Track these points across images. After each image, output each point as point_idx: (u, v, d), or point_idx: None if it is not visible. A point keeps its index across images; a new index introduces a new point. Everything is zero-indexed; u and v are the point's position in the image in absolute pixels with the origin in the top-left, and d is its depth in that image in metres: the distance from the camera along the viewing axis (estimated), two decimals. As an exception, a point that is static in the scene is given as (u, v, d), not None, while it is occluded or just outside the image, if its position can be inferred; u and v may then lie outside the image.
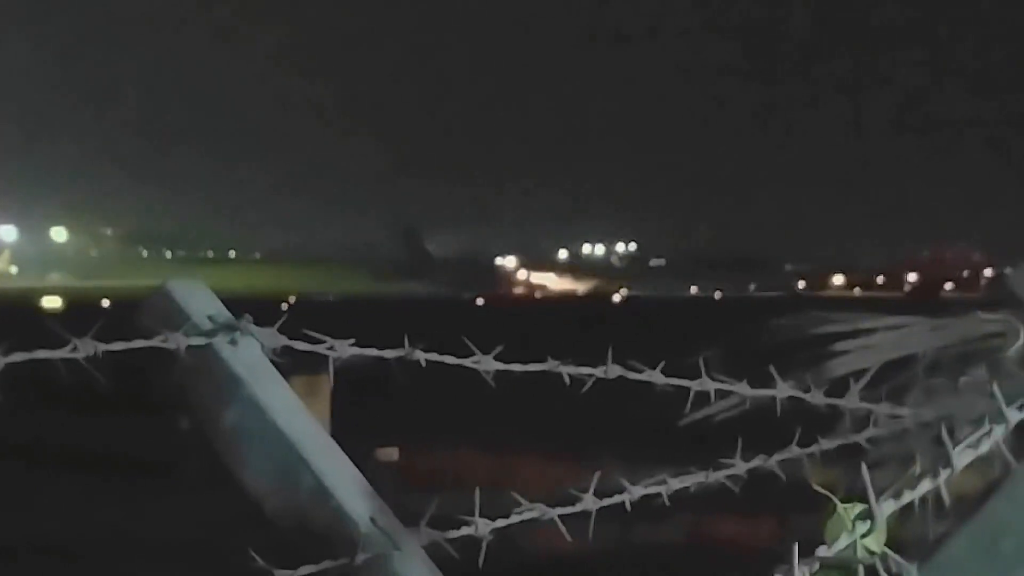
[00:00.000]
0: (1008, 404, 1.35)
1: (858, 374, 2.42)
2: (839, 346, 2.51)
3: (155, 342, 1.67)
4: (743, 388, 2.27)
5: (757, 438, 2.26)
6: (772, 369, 2.30)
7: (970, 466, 1.28)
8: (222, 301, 1.84)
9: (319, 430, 1.86)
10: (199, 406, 1.84)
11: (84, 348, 1.56)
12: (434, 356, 1.84)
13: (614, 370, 2.07)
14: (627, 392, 2.17)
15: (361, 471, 1.83)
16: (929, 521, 1.58)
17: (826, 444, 2.35)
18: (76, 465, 14.86)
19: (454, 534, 1.79)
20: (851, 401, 2.37)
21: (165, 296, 1.83)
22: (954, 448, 1.25)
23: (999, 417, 1.33)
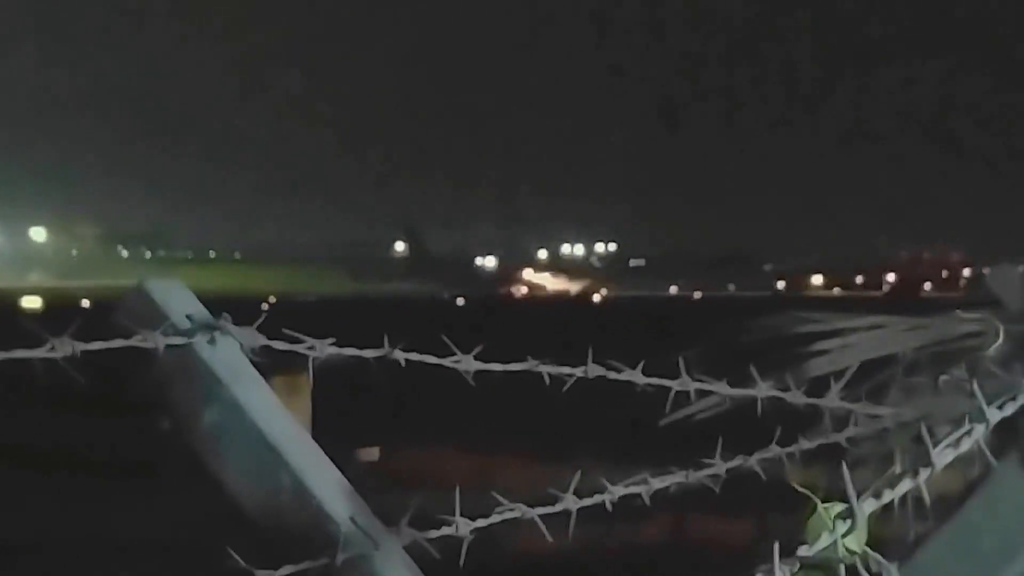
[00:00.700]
0: (988, 403, 1.35)
1: (838, 374, 2.43)
2: (819, 346, 2.52)
3: (133, 341, 1.66)
4: (723, 388, 2.28)
5: (737, 438, 2.26)
6: (752, 369, 2.30)
7: (950, 466, 1.28)
8: (202, 301, 1.83)
9: (299, 430, 1.86)
10: (178, 406, 1.83)
11: (62, 348, 1.55)
12: (414, 356, 1.84)
13: (594, 370, 2.07)
14: (608, 392, 2.17)
15: (342, 471, 1.83)
16: (910, 520, 1.59)
17: (806, 443, 2.35)
18: (53, 465, 14.81)
19: (434, 534, 1.78)
20: (831, 401, 2.38)
21: (143, 295, 1.82)
22: (934, 447, 1.25)
23: (979, 416, 1.33)
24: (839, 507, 1.18)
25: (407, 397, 10.89)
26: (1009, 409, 1.45)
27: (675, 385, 2.19)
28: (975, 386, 1.35)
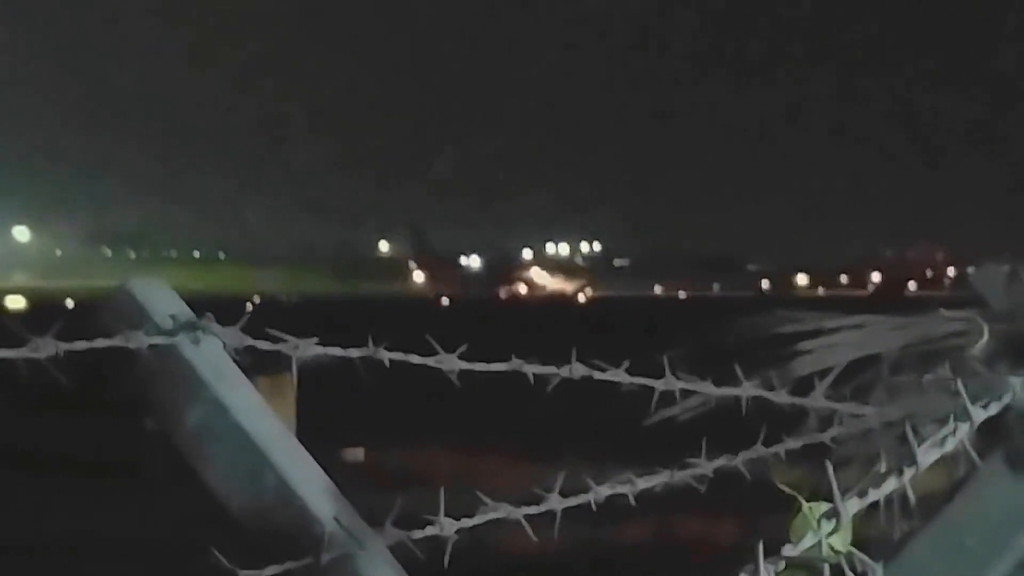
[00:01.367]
0: (973, 402, 1.35)
1: (823, 373, 2.43)
2: (803, 345, 2.52)
3: (116, 341, 1.65)
4: (708, 387, 2.27)
5: (722, 437, 2.26)
6: (737, 368, 2.30)
7: (935, 465, 1.28)
8: (186, 301, 1.83)
9: (284, 430, 1.85)
10: (162, 406, 1.83)
11: (45, 348, 1.54)
12: (398, 355, 1.84)
13: (579, 369, 2.07)
14: (593, 392, 2.17)
15: (326, 471, 1.82)
16: (894, 520, 1.59)
17: (791, 443, 2.35)
18: (37, 465, 14.77)
19: (419, 534, 1.78)
20: (816, 400, 2.38)
21: (126, 295, 1.82)
22: (919, 447, 1.25)
23: (964, 415, 1.33)
24: (824, 506, 1.18)
25: (392, 397, 10.88)
26: (994, 408, 1.46)
27: (660, 385, 2.18)
28: (960, 385, 1.35)
